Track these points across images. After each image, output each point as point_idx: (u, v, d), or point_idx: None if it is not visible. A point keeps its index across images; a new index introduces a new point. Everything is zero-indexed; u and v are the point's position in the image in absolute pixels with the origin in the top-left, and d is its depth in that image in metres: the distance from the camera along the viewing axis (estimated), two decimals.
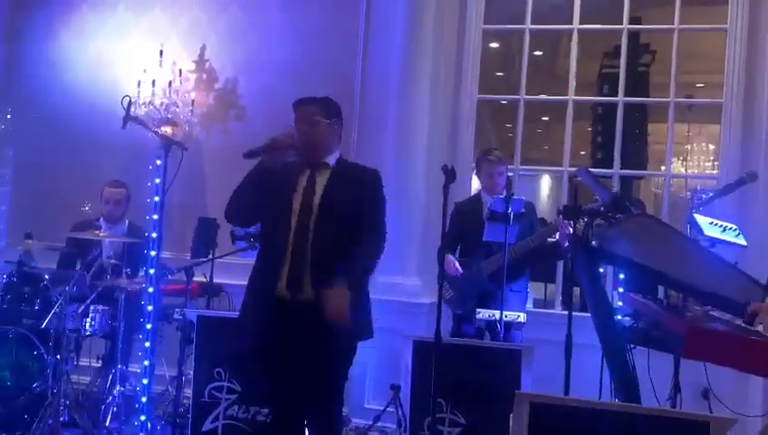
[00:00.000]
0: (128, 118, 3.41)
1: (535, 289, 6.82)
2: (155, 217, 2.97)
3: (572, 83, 4.75)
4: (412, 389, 3.04)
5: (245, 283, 4.50)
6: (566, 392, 2.50)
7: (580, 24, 4.70)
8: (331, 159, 2.70)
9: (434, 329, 3.91)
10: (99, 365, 4.17)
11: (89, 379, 4.16)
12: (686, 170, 9.09)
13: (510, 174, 3.97)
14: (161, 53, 5.10)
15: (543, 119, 9.72)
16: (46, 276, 3.71)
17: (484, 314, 3.41)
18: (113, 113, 5.14)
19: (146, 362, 2.95)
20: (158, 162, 3.03)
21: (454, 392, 2.82)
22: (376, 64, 4.84)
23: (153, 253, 2.95)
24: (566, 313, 2.76)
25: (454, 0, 4.75)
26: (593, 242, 2.42)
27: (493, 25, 4.96)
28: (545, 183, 12.61)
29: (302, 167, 2.66)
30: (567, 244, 3.43)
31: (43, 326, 3.47)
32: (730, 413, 2.89)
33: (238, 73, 5.16)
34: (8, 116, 3.38)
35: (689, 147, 9.49)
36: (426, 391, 2.92)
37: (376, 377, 4.36)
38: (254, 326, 2.57)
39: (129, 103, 3.44)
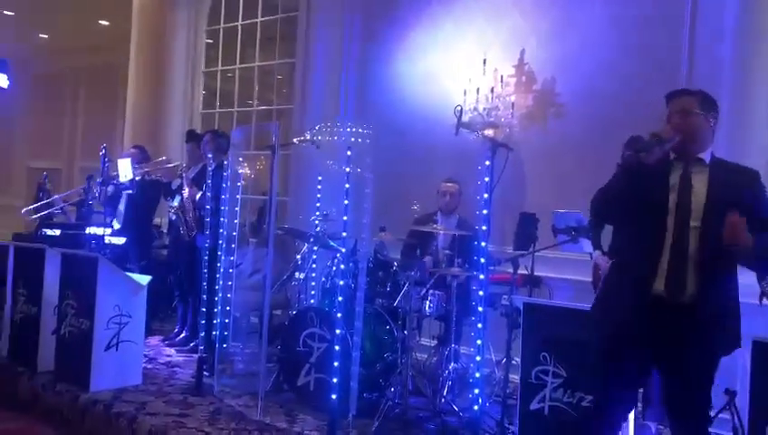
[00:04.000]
0: (459, 124, 3.82)
1: None
2: (484, 211, 3.31)
3: None
4: (751, 393, 2.84)
5: (563, 275, 4.72)
6: None
7: None
8: (706, 156, 2.60)
9: None
10: (434, 343, 4.73)
11: (426, 355, 4.74)
12: None
13: None
14: (484, 61, 5.53)
15: None
16: (395, 263, 4.37)
17: None
18: (444, 122, 5.78)
19: (478, 342, 3.30)
20: (487, 163, 3.36)
21: None
22: (704, 53, 4.55)
23: (483, 244, 3.29)
24: None
25: None
26: None
27: None
28: None
29: (672, 163, 2.59)
30: None
31: (395, 305, 4.10)
32: None
33: (556, 73, 5.32)
34: (368, 130, 4.07)
35: None
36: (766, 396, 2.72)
37: None
38: (612, 320, 2.61)
39: (461, 111, 3.84)
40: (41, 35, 13.65)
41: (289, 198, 7.08)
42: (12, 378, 4.47)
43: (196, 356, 5.21)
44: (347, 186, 3.45)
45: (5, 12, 12.49)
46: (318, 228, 4.69)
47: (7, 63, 5.63)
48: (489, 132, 5.48)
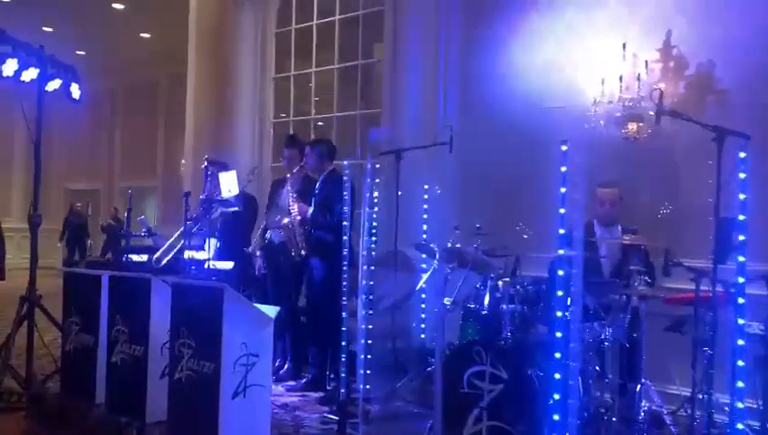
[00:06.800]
0: (660, 112, 3.14)
1: None
2: (741, 217, 2.60)
3: None
4: None
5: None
6: None
7: None
8: None
9: None
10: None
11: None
12: None
13: None
14: (624, 46, 4.82)
15: None
16: None
17: None
18: (572, 115, 5.09)
19: (740, 384, 2.58)
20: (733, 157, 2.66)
21: None
22: None
23: (741, 259, 2.59)
24: None
25: None
26: None
27: None
28: None
29: None
30: None
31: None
32: None
33: (714, 55, 4.61)
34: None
35: None
36: None
37: None
38: None
39: (661, 95, 3.16)
40: (78, 52, 13.17)
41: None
42: (117, 432, 3.80)
43: (312, 395, 4.56)
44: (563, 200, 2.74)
45: (44, 28, 12.05)
46: (475, 245, 3.96)
47: (77, 71, 5.00)
48: (633, 126, 4.81)
